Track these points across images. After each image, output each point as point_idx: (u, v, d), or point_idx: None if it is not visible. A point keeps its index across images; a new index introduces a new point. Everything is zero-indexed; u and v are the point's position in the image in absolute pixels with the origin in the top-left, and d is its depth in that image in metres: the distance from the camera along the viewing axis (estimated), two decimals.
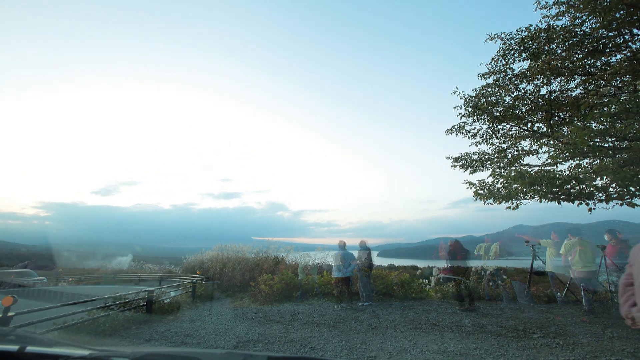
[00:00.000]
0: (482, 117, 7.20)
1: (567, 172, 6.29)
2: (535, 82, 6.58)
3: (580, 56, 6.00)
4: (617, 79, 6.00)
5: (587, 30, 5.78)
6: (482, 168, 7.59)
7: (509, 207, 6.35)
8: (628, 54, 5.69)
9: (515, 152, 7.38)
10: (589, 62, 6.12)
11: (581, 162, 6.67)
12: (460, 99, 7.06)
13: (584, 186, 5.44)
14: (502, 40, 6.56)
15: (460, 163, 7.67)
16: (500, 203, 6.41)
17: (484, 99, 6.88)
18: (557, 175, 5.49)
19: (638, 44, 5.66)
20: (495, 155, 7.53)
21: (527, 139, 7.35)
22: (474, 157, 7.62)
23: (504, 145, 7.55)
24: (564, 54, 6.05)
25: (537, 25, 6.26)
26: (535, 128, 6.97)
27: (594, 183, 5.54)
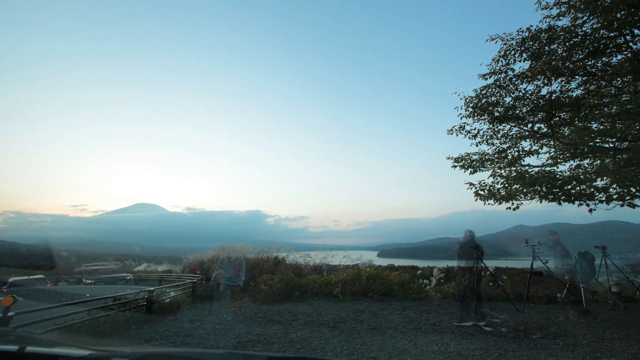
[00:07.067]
0: (482, 117, 7.19)
1: (568, 173, 6.28)
2: (535, 83, 6.57)
3: (581, 57, 6.00)
4: (618, 79, 5.99)
5: (588, 30, 5.78)
6: (482, 168, 7.57)
7: (509, 208, 6.34)
8: (629, 55, 5.69)
9: (516, 153, 7.36)
10: (589, 63, 6.12)
11: (582, 162, 6.66)
12: (461, 99, 7.06)
13: (584, 187, 5.43)
14: (502, 41, 6.55)
15: (461, 163, 7.66)
16: (500, 203, 6.39)
17: (485, 100, 6.88)
18: (558, 176, 5.48)
19: (639, 44, 5.66)
20: (496, 155, 7.51)
21: (528, 140, 7.33)
22: (474, 157, 7.60)
23: (505, 146, 7.54)
24: (564, 54, 6.05)
25: (537, 26, 6.27)
26: (535, 128, 6.97)
27: (594, 184, 5.52)
